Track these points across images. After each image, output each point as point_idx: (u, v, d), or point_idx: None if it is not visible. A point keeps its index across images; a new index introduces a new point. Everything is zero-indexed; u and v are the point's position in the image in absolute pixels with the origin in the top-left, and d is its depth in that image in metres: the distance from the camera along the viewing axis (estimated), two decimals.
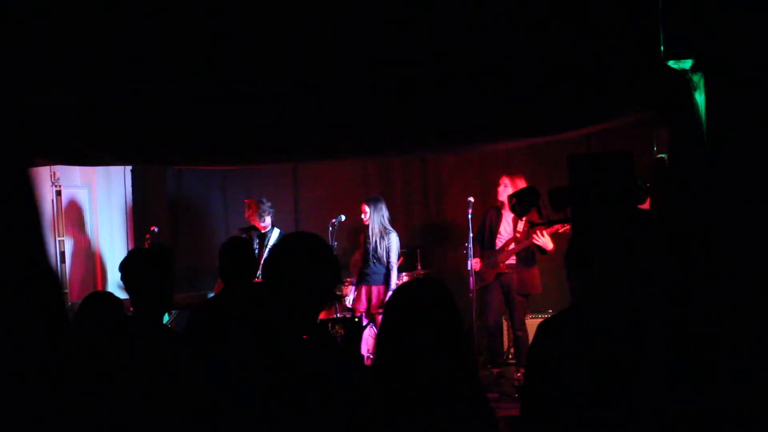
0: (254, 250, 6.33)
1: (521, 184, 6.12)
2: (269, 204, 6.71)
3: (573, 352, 2.12)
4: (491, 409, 2.08)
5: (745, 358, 2.78)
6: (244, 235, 6.57)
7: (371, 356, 6.50)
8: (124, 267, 3.07)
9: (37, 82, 3.73)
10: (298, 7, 3.68)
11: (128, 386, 2.58)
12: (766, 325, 3.05)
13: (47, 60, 3.67)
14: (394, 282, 6.57)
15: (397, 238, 6.66)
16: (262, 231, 6.70)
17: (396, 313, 2.09)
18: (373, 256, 6.60)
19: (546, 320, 2.46)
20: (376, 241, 6.57)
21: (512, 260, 6.29)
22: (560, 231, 5.89)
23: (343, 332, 5.21)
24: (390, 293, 6.52)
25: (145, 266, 3.02)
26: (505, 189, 6.27)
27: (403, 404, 1.98)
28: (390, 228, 6.64)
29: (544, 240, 5.98)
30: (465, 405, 2.00)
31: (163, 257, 3.12)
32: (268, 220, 6.70)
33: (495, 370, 6.42)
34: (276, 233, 6.71)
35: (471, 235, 6.38)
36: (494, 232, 6.40)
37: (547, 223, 5.92)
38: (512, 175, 6.37)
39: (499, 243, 6.36)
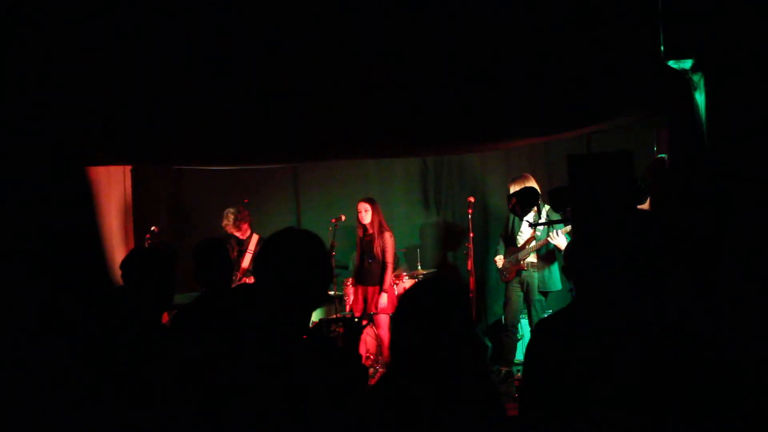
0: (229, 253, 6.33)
1: (530, 182, 6.18)
2: (247, 212, 6.72)
3: (570, 351, 2.12)
4: (503, 406, 2.08)
5: (745, 358, 2.78)
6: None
7: (370, 356, 6.51)
8: (124, 266, 3.07)
9: (37, 81, 3.73)
10: (299, 7, 3.67)
11: (127, 385, 2.58)
12: (767, 324, 3.05)
13: (48, 60, 3.67)
14: (389, 282, 6.55)
15: (392, 238, 6.65)
16: (241, 239, 6.71)
17: (406, 315, 2.09)
18: (369, 256, 6.59)
19: (543, 319, 2.46)
20: (371, 241, 6.58)
21: (533, 258, 6.33)
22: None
23: (342, 331, 5.21)
24: (383, 294, 6.51)
25: (146, 265, 3.02)
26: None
27: (415, 402, 1.99)
28: (386, 227, 6.65)
29: (559, 240, 6.03)
30: (476, 401, 2.01)
31: (164, 257, 3.12)
32: (245, 227, 6.70)
33: (504, 369, 6.42)
34: (255, 239, 6.71)
35: (471, 234, 6.39)
36: (516, 230, 6.47)
37: (548, 223, 5.95)
38: (516, 180, 6.38)
39: (520, 241, 6.43)
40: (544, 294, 6.33)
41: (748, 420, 2.12)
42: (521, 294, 6.40)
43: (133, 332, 2.86)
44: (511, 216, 6.55)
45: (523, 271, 6.35)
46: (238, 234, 6.68)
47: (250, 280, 6.43)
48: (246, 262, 6.58)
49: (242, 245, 6.66)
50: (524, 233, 6.45)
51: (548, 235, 6.12)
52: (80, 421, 2.45)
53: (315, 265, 2.18)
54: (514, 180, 6.37)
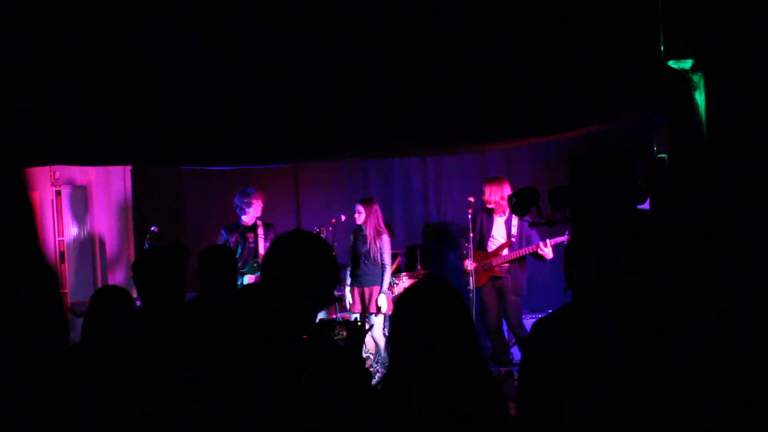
0: (236, 255, 6.20)
1: (506, 187, 6.22)
2: (247, 198, 6.52)
3: (568, 350, 2.12)
4: (506, 405, 2.08)
5: (746, 357, 2.78)
6: (229, 237, 6.51)
7: (369, 356, 6.50)
8: (136, 267, 3.08)
9: (37, 82, 3.73)
10: (299, 7, 3.67)
11: (135, 383, 2.59)
12: (766, 324, 3.05)
13: (47, 60, 3.67)
14: (387, 283, 6.54)
15: (389, 240, 6.64)
16: (247, 225, 6.60)
17: (406, 316, 2.09)
18: (365, 257, 6.57)
19: (541, 319, 2.46)
20: (370, 243, 6.56)
21: (506, 264, 6.33)
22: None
23: (345, 334, 5.20)
24: (382, 294, 6.49)
25: (157, 267, 3.03)
26: (490, 194, 6.34)
27: (417, 405, 1.99)
28: (383, 229, 6.62)
29: (547, 250, 6.05)
30: (480, 403, 2.01)
31: (175, 258, 3.12)
32: (249, 212, 6.55)
33: (503, 369, 6.42)
34: (261, 225, 6.64)
35: (471, 235, 6.39)
36: (486, 235, 6.44)
37: (548, 224, 5.94)
38: (492, 181, 6.41)
39: (492, 246, 6.39)
40: (517, 296, 6.34)
41: (750, 419, 2.12)
42: (496, 297, 6.38)
43: (146, 332, 2.87)
44: (478, 219, 6.52)
45: (499, 278, 6.32)
46: (245, 216, 6.57)
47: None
48: (262, 248, 6.50)
49: (253, 230, 6.59)
50: (496, 239, 6.42)
51: (537, 246, 6.12)
52: (87, 420, 2.45)
53: (322, 267, 2.20)
54: (492, 181, 6.39)
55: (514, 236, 6.30)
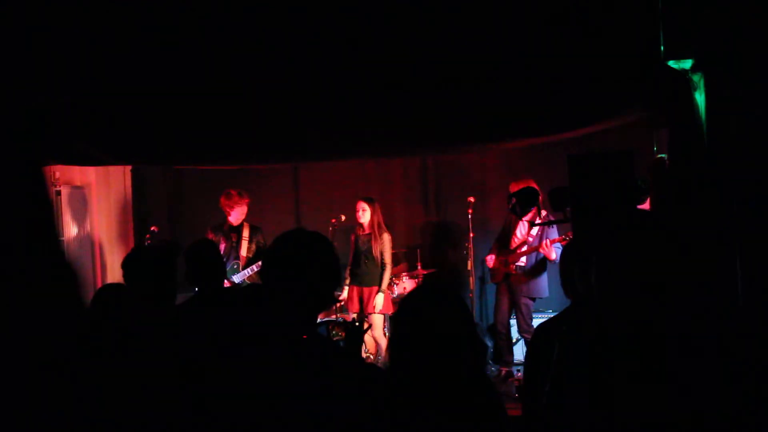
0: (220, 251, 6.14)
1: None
2: (229, 201, 6.54)
3: (571, 352, 2.12)
4: (504, 410, 2.08)
5: (745, 359, 2.78)
6: (214, 236, 6.49)
7: (369, 356, 6.50)
8: (126, 264, 3.07)
9: (37, 82, 3.73)
10: (298, 7, 3.68)
11: (133, 381, 2.59)
12: (767, 325, 3.05)
13: (48, 60, 3.67)
14: (386, 283, 6.53)
15: (391, 239, 6.62)
16: (232, 225, 6.58)
17: (407, 322, 2.09)
18: (366, 256, 6.55)
19: (545, 322, 2.46)
20: (372, 242, 6.54)
21: (522, 262, 6.31)
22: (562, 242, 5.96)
23: (343, 335, 5.20)
24: (380, 294, 6.48)
25: (147, 263, 3.02)
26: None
27: (416, 408, 1.98)
28: (384, 228, 6.61)
29: (547, 250, 6.04)
30: (478, 407, 2.01)
31: (165, 255, 3.11)
32: (239, 211, 6.53)
33: (503, 369, 6.42)
34: (247, 227, 6.61)
35: (471, 235, 6.39)
36: (510, 233, 6.45)
37: (548, 224, 5.94)
38: (519, 180, 6.39)
39: (514, 244, 6.40)
40: (531, 299, 6.32)
41: (747, 419, 2.12)
42: (509, 296, 6.39)
43: (133, 330, 2.86)
44: (507, 218, 6.53)
45: (511, 275, 6.33)
46: (230, 218, 6.57)
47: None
48: (244, 250, 6.51)
49: (237, 231, 6.59)
50: (519, 237, 6.42)
51: (540, 243, 6.12)
52: (78, 420, 2.45)
53: (324, 266, 2.19)
54: (516, 182, 6.38)
55: (532, 236, 6.28)
